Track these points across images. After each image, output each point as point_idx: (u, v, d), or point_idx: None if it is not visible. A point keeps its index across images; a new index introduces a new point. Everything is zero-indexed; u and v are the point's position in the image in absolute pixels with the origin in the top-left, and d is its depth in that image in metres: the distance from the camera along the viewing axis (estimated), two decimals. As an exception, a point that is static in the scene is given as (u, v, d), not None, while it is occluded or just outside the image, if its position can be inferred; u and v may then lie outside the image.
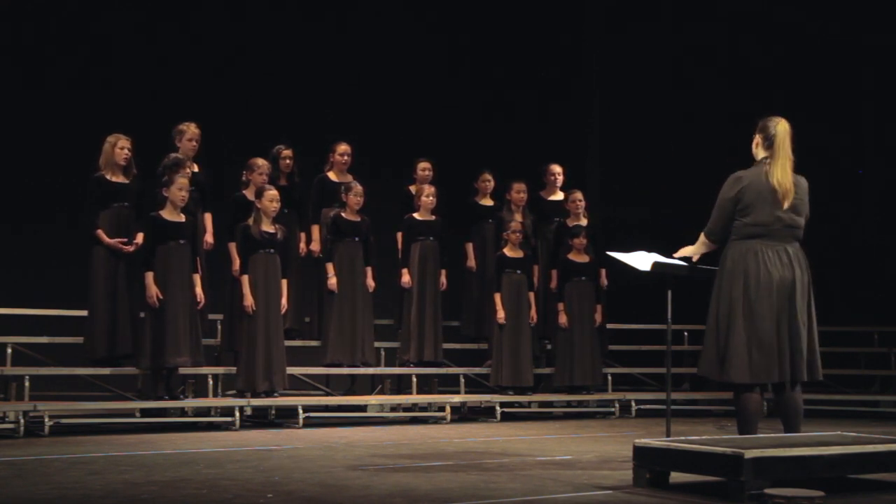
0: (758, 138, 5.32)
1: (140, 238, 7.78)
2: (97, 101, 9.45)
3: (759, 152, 5.31)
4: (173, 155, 7.99)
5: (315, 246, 8.94)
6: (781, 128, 5.26)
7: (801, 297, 5.20)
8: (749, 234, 5.22)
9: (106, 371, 7.83)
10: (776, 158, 5.22)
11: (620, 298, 10.35)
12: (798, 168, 5.33)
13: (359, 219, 8.83)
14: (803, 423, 5.37)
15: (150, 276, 7.60)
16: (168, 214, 7.70)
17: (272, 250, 8.13)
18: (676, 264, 5.67)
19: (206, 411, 8.12)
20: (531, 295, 9.44)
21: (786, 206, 5.21)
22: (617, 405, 9.70)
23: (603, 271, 9.64)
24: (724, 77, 12.52)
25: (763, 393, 5.33)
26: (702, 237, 5.45)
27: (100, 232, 7.72)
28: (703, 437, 5.16)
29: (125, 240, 7.76)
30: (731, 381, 5.16)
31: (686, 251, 5.56)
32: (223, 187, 8.73)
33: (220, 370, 8.35)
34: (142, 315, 7.78)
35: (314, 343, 8.93)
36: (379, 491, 4.53)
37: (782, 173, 5.21)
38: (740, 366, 5.11)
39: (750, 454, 4.22)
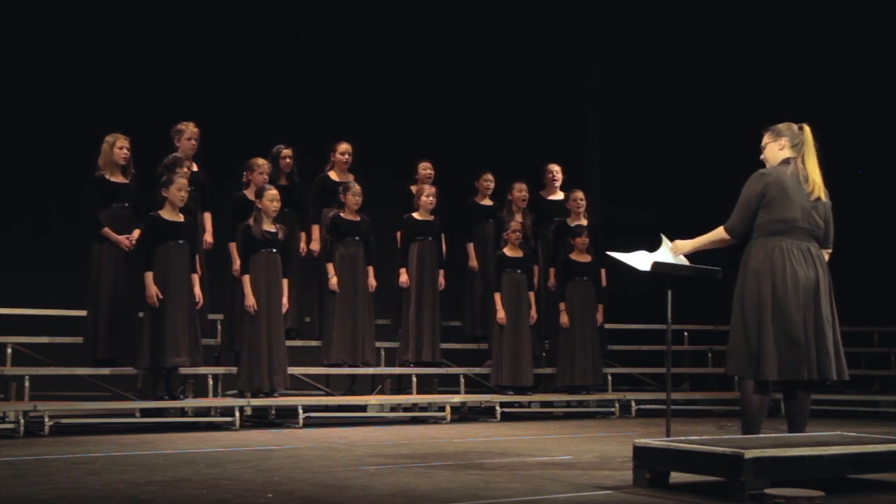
0: (783, 141, 5.33)
1: (136, 234, 7.78)
2: (96, 100, 9.45)
3: (784, 153, 5.33)
4: (173, 155, 7.99)
5: (315, 246, 8.94)
6: (808, 131, 5.33)
7: (824, 296, 5.21)
8: (773, 230, 5.22)
9: (106, 371, 7.83)
10: (808, 155, 5.28)
11: (620, 298, 10.35)
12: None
13: (358, 218, 8.83)
14: (803, 423, 5.39)
15: (149, 276, 7.60)
16: (167, 214, 7.70)
17: (273, 250, 8.13)
18: (676, 264, 5.66)
19: (206, 411, 8.11)
20: (531, 295, 9.44)
21: (813, 196, 5.23)
22: (617, 405, 9.69)
23: (603, 271, 9.64)
24: (724, 76, 12.53)
25: (769, 393, 5.32)
26: (720, 231, 5.38)
27: (107, 230, 7.72)
28: (703, 437, 5.16)
29: (132, 237, 7.77)
30: (765, 379, 5.15)
31: (688, 245, 5.52)
32: (223, 187, 8.73)
33: (220, 370, 8.34)
34: (141, 315, 7.78)
35: (314, 343, 8.94)
36: (379, 491, 4.53)
37: (813, 168, 5.26)
38: (772, 364, 5.11)
39: (750, 454, 4.21)
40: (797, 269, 5.17)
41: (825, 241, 5.35)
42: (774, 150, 5.38)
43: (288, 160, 8.89)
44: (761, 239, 5.26)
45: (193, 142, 8.28)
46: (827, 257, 5.37)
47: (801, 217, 5.23)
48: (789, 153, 5.33)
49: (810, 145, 5.30)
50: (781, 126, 5.39)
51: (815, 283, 5.20)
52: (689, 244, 5.55)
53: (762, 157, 5.44)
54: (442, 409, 8.95)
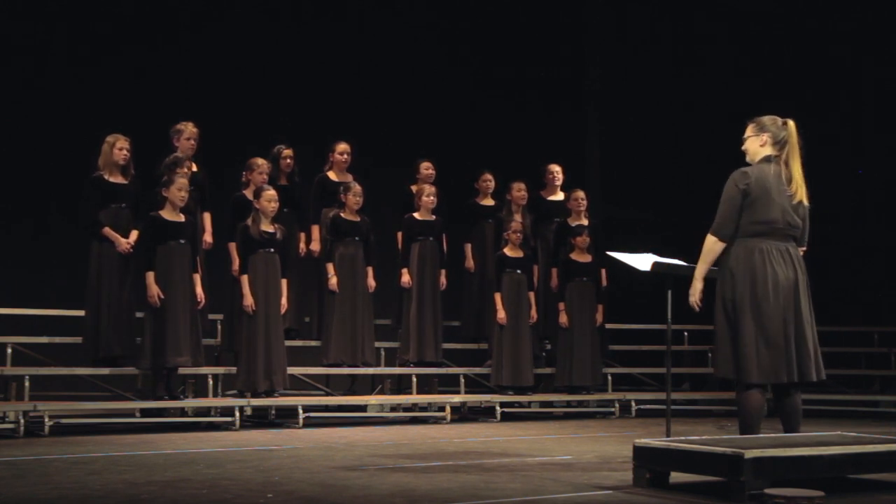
0: (765, 137, 5.28)
1: (134, 236, 7.78)
2: (96, 100, 9.45)
3: (765, 150, 5.28)
4: (173, 155, 7.99)
5: (315, 246, 8.94)
6: (792, 127, 5.27)
7: (804, 296, 5.20)
8: (754, 231, 5.19)
9: (106, 371, 7.83)
10: (792, 156, 5.23)
11: (620, 298, 10.35)
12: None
13: (358, 219, 8.83)
14: (803, 423, 5.37)
15: (150, 276, 7.60)
16: (168, 214, 7.70)
17: (272, 250, 8.13)
18: (676, 264, 5.66)
19: (206, 411, 8.11)
20: (531, 295, 9.44)
21: (795, 199, 5.20)
22: (617, 405, 9.70)
23: (603, 271, 9.64)
24: (724, 76, 12.53)
25: (763, 393, 5.32)
26: (711, 241, 5.25)
27: (107, 230, 7.72)
28: (703, 437, 5.16)
29: (130, 241, 7.77)
30: (744, 381, 5.13)
31: (701, 270, 5.34)
32: (223, 187, 8.73)
33: (220, 370, 8.35)
34: (141, 315, 7.78)
35: (314, 343, 8.94)
36: (379, 491, 4.53)
37: (796, 169, 5.22)
38: (750, 365, 5.09)
39: (750, 454, 4.22)
40: (777, 270, 5.14)
41: (800, 240, 5.33)
42: (755, 144, 5.32)
43: (288, 160, 8.89)
44: (741, 239, 5.21)
45: (193, 142, 8.28)
46: (801, 254, 5.35)
47: (781, 218, 5.19)
48: (770, 150, 5.27)
49: (794, 144, 5.24)
50: (766, 119, 5.32)
51: (794, 282, 5.18)
52: (698, 279, 5.32)
53: (743, 148, 5.39)
54: (442, 409, 8.95)
